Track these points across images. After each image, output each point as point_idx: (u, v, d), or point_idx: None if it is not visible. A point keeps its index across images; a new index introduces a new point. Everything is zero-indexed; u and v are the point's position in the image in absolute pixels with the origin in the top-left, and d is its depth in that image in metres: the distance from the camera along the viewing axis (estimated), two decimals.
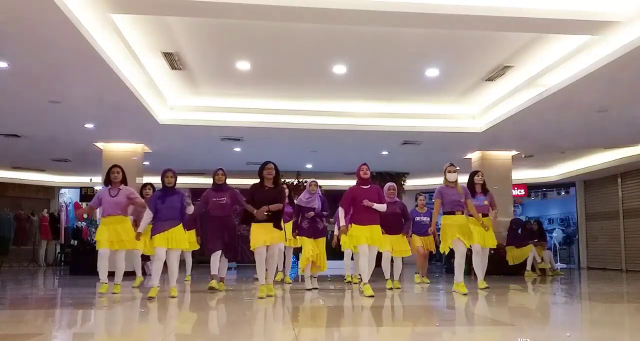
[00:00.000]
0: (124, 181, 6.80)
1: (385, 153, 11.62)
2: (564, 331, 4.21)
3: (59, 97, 7.39)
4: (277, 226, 6.09)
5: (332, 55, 6.98)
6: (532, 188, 15.58)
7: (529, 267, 10.31)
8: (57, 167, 14.06)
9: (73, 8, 4.91)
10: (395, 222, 7.12)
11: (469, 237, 6.62)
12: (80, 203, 16.16)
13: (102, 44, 5.77)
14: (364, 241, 6.23)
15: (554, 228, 16.24)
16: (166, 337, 3.75)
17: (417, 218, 8.18)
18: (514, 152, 11.41)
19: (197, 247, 7.91)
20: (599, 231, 13.99)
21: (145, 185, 8.08)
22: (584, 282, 9.74)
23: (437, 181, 16.83)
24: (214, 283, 6.76)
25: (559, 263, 14.12)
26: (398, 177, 14.27)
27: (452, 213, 6.64)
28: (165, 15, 5.59)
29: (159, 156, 11.42)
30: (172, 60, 6.97)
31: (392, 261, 7.25)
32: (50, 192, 16.55)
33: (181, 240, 6.16)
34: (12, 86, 6.95)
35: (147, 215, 6.23)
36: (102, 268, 6.59)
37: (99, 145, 10.55)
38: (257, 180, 6.26)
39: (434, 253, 9.00)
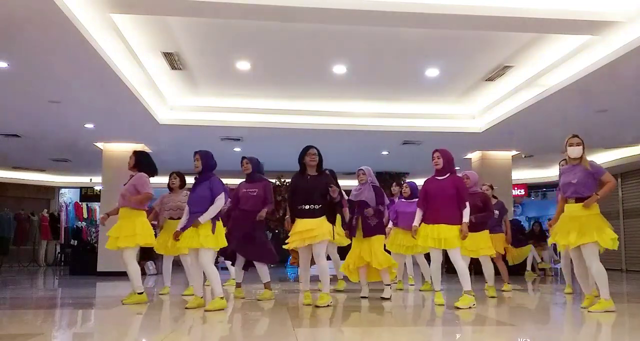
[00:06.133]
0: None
1: (385, 153, 11.62)
2: (564, 331, 4.21)
3: (59, 97, 7.39)
4: (330, 220, 5.15)
5: (332, 55, 6.98)
6: (532, 188, 15.56)
7: (529, 267, 10.33)
8: (57, 167, 14.05)
9: (73, 8, 4.91)
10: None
11: (565, 237, 4.99)
12: (80, 203, 16.20)
13: (102, 44, 5.77)
14: (430, 244, 5.24)
15: None
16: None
17: None
18: (514, 152, 11.41)
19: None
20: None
21: (172, 174, 7.24)
22: None
23: None
24: (267, 293, 5.91)
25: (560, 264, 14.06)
26: (398, 177, 14.26)
27: (565, 201, 5.11)
28: (165, 15, 5.59)
29: (159, 156, 11.38)
30: (172, 60, 6.97)
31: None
32: (50, 192, 16.56)
33: (204, 236, 4.95)
34: (12, 86, 6.94)
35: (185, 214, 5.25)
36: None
37: (99, 145, 10.56)
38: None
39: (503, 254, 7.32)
